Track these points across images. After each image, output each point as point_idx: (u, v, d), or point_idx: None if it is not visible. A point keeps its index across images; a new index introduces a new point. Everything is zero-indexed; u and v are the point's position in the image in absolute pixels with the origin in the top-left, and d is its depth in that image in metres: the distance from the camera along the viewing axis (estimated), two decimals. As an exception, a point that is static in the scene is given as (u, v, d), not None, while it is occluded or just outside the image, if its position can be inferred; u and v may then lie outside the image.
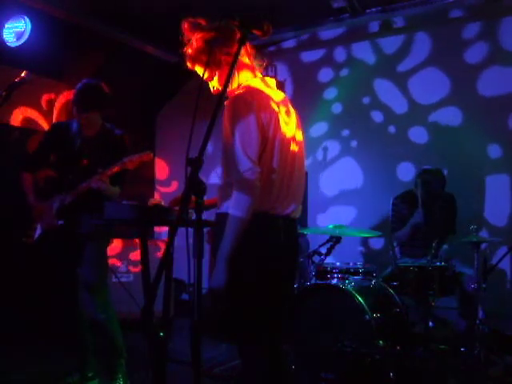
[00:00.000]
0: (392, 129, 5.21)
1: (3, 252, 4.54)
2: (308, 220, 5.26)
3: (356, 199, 5.30)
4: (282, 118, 2.14)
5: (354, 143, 5.40)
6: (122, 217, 2.60)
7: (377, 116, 5.28)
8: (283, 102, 2.23)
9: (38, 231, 3.31)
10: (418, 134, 5.05)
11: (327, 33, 5.45)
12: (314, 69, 5.63)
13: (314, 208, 5.42)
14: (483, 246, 4.31)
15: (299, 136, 2.26)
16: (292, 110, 2.28)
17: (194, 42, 2.16)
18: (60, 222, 3.22)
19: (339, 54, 5.52)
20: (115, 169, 3.09)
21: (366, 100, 5.34)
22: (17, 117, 5.04)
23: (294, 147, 2.19)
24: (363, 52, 5.37)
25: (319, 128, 5.56)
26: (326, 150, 5.45)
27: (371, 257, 5.15)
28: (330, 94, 5.53)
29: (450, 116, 4.88)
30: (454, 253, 4.24)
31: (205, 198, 1.79)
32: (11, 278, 4.56)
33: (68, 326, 3.25)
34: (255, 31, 1.97)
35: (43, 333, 4.39)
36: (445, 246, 4.16)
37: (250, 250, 1.98)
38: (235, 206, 1.94)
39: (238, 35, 2.08)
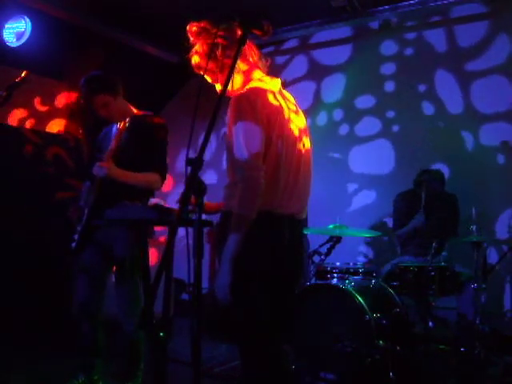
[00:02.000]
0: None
1: (3, 252, 4.55)
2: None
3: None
4: (288, 117, 2.14)
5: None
6: (121, 217, 2.60)
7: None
8: (289, 100, 2.23)
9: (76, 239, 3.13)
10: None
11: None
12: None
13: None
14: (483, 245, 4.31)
15: (306, 135, 2.26)
16: (298, 109, 2.28)
17: (197, 46, 2.18)
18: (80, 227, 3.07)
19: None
20: (113, 146, 2.88)
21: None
22: (17, 117, 5.05)
23: (300, 147, 2.19)
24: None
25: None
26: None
27: (371, 257, 5.15)
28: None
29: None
30: (454, 253, 4.24)
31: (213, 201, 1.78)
32: (14, 277, 4.56)
33: (75, 327, 3.22)
34: (255, 31, 1.98)
35: (49, 334, 4.40)
36: (444, 254, 4.16)
37: (252, 249, 1.97)
38: (240, 205, 1.94)
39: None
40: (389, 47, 5.19)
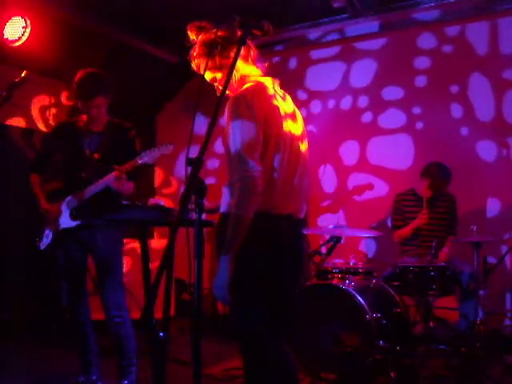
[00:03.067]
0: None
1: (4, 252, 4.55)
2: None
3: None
4: (285, 116, 2.15)
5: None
6: (121, 217, 2.60)
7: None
8: (286, 100, 2.23)
9: (46, 240, 3.17)
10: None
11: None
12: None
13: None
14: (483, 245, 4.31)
15: (303, 135, 2.26)
16: (295, 109, 2.28)
17: (197, 46, 2.19)
18: (75, 223, 3.09)
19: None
20: (132, 163, 2.94)
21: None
22: (17, 117, 5.05)
23: (297, 146, 2.19)
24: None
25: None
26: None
27: (371, 257, 5.15)
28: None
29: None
30: (454, 253, 4.24)
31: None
32: (13, 277, 4.56)
33: (72, 327, 3.23)
34: (255, 31, 1.98)
35: (49, 334, 4.40)
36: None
37: (251, 249, 1.97)
38: (237, 205, 1.94)
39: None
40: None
